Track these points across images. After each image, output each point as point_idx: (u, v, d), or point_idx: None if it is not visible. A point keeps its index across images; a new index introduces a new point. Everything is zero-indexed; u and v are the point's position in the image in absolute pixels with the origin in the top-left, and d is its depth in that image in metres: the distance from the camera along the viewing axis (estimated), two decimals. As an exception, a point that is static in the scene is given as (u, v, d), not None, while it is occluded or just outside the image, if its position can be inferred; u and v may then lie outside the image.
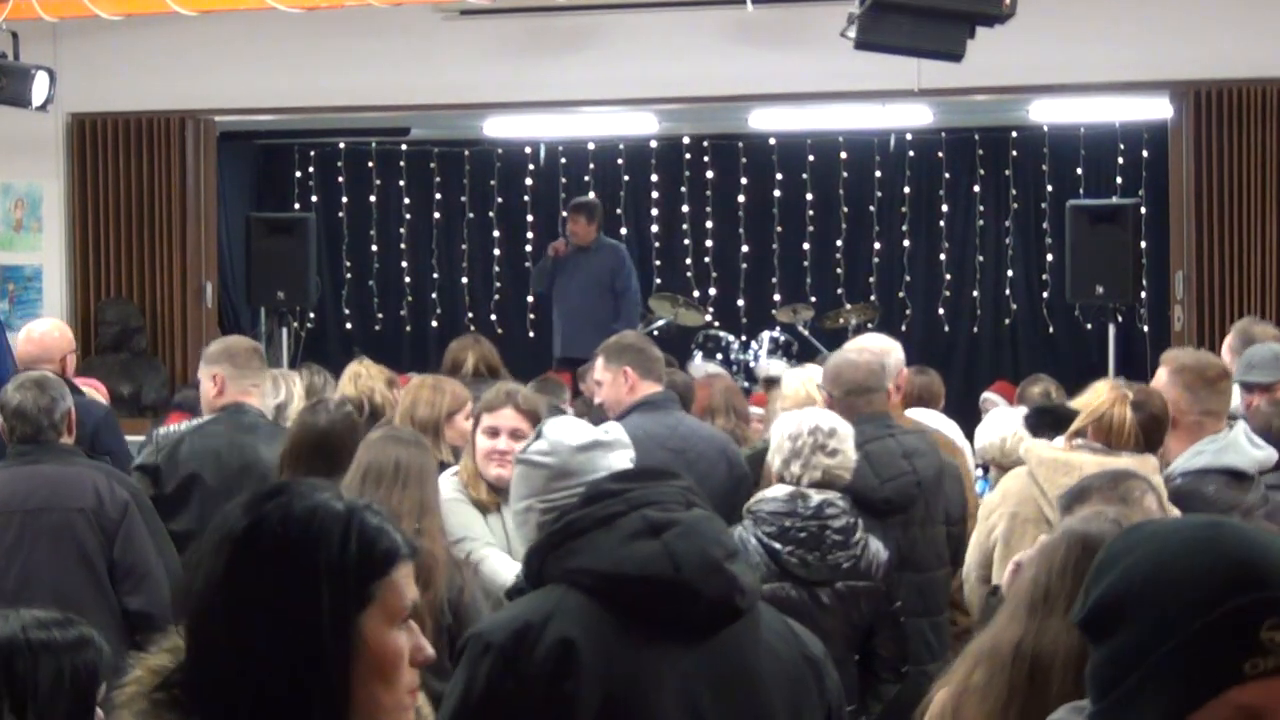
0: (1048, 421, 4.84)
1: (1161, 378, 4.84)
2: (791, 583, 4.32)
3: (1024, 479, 4.44)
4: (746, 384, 10.46)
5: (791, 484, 4.45)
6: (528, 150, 12.92)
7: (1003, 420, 5.50)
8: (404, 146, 13.01)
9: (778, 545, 4.33)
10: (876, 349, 5.52)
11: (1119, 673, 1.47)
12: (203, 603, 1.72)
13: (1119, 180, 12.07)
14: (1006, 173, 12.55)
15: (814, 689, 2.60)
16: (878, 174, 12.64)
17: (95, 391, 6.60)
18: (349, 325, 13.23)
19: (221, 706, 1.68)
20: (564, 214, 11.17)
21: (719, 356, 10.93)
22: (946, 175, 12.61)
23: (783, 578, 4.31)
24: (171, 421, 6.91)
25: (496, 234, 13.13)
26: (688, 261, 12.82)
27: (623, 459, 2.96)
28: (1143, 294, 10.80)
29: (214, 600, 1.71)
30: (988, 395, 7.50)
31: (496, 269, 13.16)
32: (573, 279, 10.59)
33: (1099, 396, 4.47)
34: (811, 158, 12.61)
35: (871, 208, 12.69)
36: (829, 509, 4.41)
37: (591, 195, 11.71)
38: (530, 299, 12.98)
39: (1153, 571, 1.47)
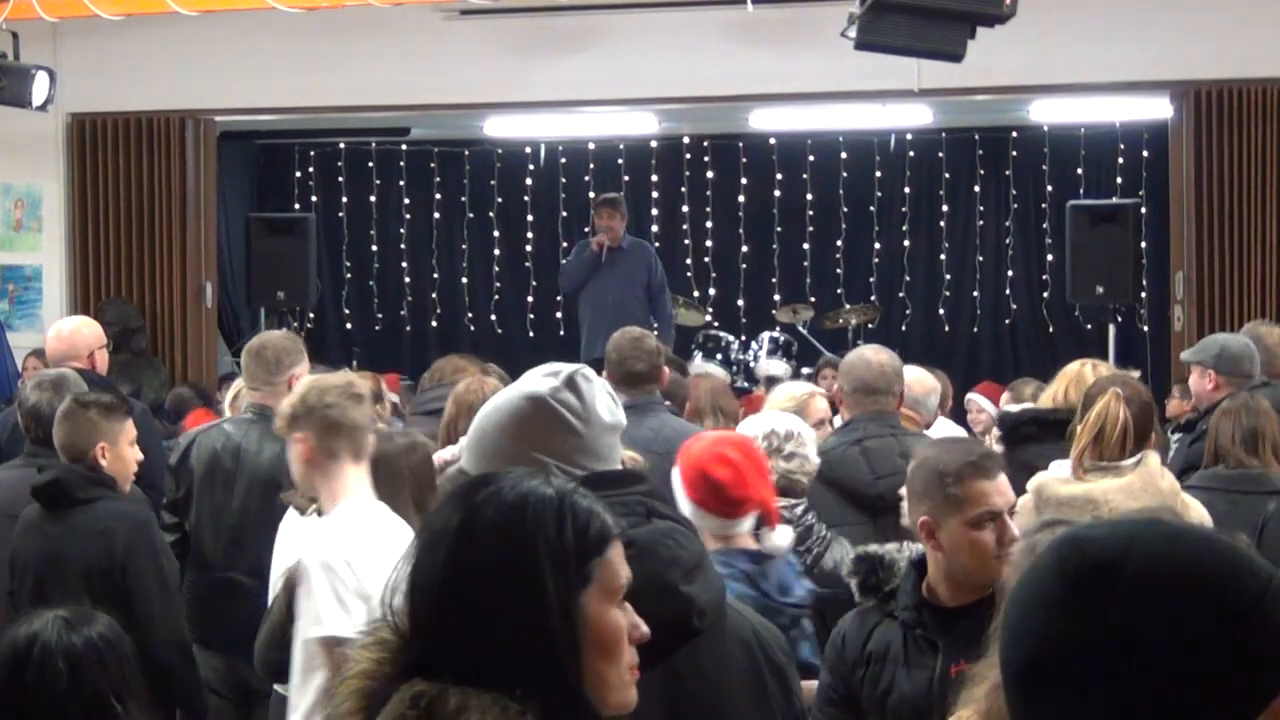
0: (1030, 430, 4.83)
1: None
2: None
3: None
4: (747, 384, 10.46)
5: None
6: (528, 150, 12.92)
7: None
8: (404, 146, 13.01)
9: None
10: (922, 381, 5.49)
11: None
12: (428, 599, 1.74)
13: (1119, 180, 12.08)
14: (1006, 173, 12.56)
15: (780, 697, 2.55)
16: (878, 174, 12.64)
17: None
18: (349, 325, 13.24)
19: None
20: (593, 210, 10.54)
21: (719, 356, 10.91)
22: (946, 175, 12.61)
23: None
24: (189, 422, 6.94)
25: (496, 234, 13.13)
26: (688, 261, 12.82)
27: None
28: (1143, 294, 10.80)
29: (440, 596, 1.73)
30: (972, 396, 7.46)
31: (496, 269, 13.16)
32: (606, 278, 10.10)
33: (1094, 400, 4.28)
34: (811, 158, 12.62)
35: (871, 208, 12.69)
36: None
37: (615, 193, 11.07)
38: (530, 299, 12.99)
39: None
